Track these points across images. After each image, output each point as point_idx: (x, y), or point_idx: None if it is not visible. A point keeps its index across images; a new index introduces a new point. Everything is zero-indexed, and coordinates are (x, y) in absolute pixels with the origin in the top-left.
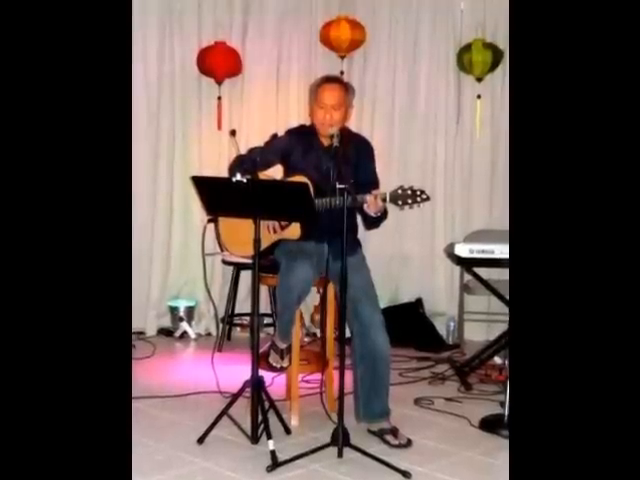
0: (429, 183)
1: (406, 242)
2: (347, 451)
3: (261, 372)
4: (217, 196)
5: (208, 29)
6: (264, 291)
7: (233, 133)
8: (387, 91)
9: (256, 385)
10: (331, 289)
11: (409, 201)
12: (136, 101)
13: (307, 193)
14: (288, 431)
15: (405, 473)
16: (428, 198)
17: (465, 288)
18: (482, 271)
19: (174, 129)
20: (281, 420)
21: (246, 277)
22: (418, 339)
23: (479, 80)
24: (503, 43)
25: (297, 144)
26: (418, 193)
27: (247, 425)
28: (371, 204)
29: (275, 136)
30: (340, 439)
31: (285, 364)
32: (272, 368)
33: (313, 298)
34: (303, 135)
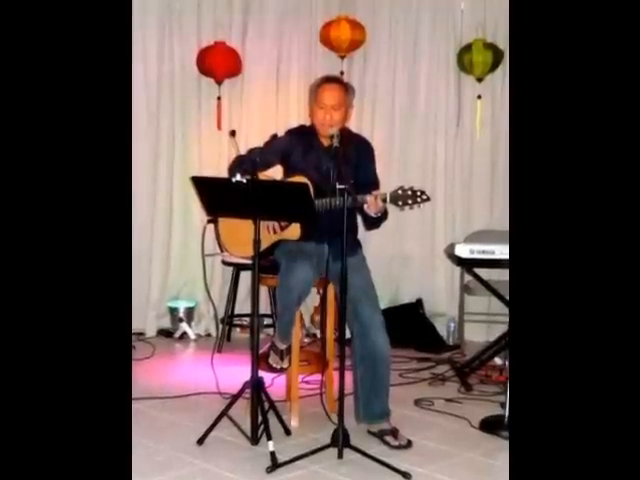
0: (429, 183)
1: (406, 243)
2: (347, 452)
3: (261, 373)
4: (217, 197)
5: (208, 29)
6: (264, 292)
7: (233, 133)
8: (387, 91)
9: (256, 386)
10: (331, 290)
11: (409, 201)
12: (136, 101)
13: (307, 193)
14: (288, 432)
15: (405, 474)
16: (428, 198)
17: (465, 289)
18: (482, 272)
19: (174, 129)
20: (281, 421)
21: (246, 278)
22: (418, 340)
23: (479, 80)
24: (503, 43)
25: (297, 144)
26: (418, 193)
27: (247, 426)
28: (371, 204)
29: (275, 136)
30: (340, 440)
31: (285, 365)
32: (272, 369)
33: (313, 299)
34: (303, 135)
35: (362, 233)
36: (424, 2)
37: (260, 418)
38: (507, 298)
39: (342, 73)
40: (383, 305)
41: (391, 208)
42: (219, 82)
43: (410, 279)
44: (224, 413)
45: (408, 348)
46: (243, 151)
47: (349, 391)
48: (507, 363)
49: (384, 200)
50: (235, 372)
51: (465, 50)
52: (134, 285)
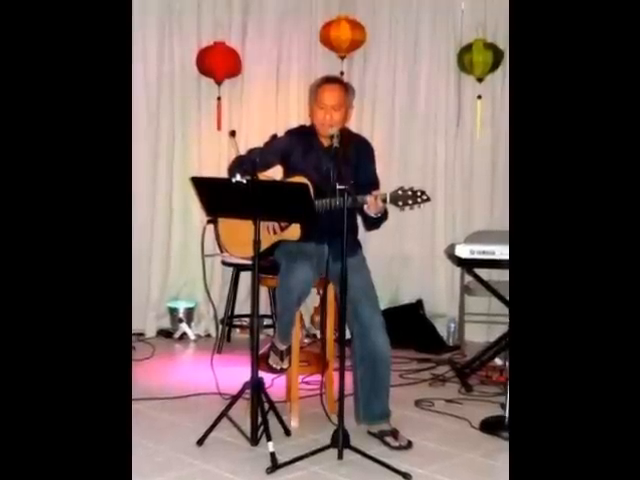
0: (429, 184)
1: (406, 243)
2: (347, 453)
3: (261, 373)
4: (217, 197)
5: (208, 29)
6: (264, 292)
7: (233, 134)
8: (387, 91)
9: (256, 387)
10: (331, 290)
11: (409, 202)
12: (136, 101)
13: (307, 194)
14: (288, 433)
15: (405, 475)
16: (428, 199)
17: (466, 289)
18: (483, 272)
19: (174, 129)
20: (281, 422)
21: (246, 278)
22: (418, 340)
23: (480, 80)
24: (504, 43)
25: (297, 145)
26: (418, 194)
27: (247, 427)
28: (371, 205)
29: (275, 137)
30: (340, 441)
31: (285, 365)
32: (272, 369)
33: (313, 299)
34: (303, 136)
35: (362, 233)
36: (424, 2)
37: (260, 419)
38: (507, 299)
39: (342, 73)
40: (383, 306)
41: (391, 208)
42: (219, 82)
43: (410, 279)
44: (224, 414)
45: (408, 349)
46: (243, 151)
47: (349, 392)
48: (507, 364)
49: (384, 200)
50: (235, 373)
51: (465, 50)
52: (134, 285)
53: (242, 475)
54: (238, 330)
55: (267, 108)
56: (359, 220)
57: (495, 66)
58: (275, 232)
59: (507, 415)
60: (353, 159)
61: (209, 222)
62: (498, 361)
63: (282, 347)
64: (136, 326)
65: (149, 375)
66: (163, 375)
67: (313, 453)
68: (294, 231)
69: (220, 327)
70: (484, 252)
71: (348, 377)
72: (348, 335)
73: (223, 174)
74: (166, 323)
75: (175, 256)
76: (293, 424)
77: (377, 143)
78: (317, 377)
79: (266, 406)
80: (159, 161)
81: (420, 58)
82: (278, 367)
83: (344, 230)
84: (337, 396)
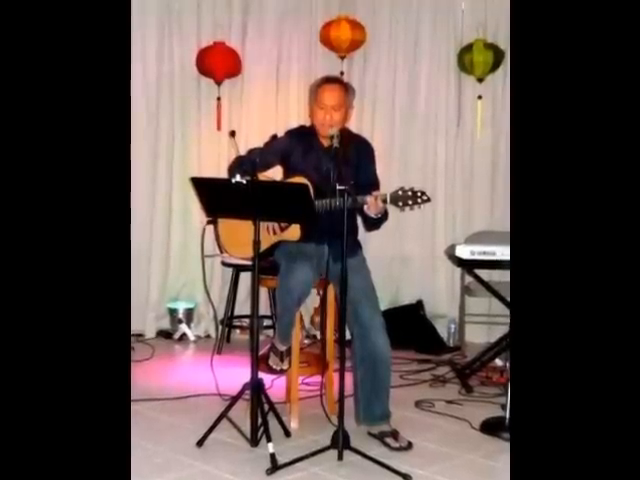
0: (430, 184)
1: (407, 243)
2: (347, 454)
3: (261, 374)
4: (216, 197)
5: (207, 29)
6: (264, 293)
7: (233, 134)
8: (387, 91)
9: (256, 387)
10: (331, 291)
11: (410, 202)
12: (135, 101)
13: (307, 194)
14: (288, 434)
15: (406, 476)
16: (429, 199)
17: (466, 290)
18: (483, 273)
19: (173, 129)
20: (281, 423)
21: (245, 279)
22: (419, 341)
23: (480, 80)
24: (504, 43)
25: (297, 145)
26: (419, 194)
27: (247, 428)
28: (371, 205)
29: (275, 137)
30: (340, 442)
31: (285, 366)
32: (272, 370)
33: (313, 300)
34: (303, 136)
35: (362, 234)
36: (424, 2)
37: (260, 420)
38: (508, 299)
39: (342, 73)
40: (383, 306)
41: (391, 209)
42: (219, 82)
43: (410, 280)
44: (224, 415)
45: (408, 349)
46: (243, 151)
47: (349, 393)
48: (508, 364)
49: (384, 201)
50: (235, 373)
51: (466, 50)
52: (133, 286)
53: (242, 476)
54: (238, 331)
55: (267, 108)
56: (359, 220)
57: (495, 66)
58: (275, 232)
59: (508, 416)
60: (353, 159)
61: (209, 222)
62: (499, 362)
63: (282, 348)
64: (135, 327)
65: (148, 376)
66: (163, 376)
67: (313, 454)
68: (294, 232)
69: (220, 328)
70: (484, 253)
71: (348, 378)
72: (348, 336)
73: (223, 174)
74: (166, 324)
75: (175, 257)
76: (293, 425)
77: (377, 143)
78: (317, 378)
79: (266, 407)
80: (159, 161)
81: (420, 58)
82: (278, 368)
83: (344, 231)
84: (337, 397)
